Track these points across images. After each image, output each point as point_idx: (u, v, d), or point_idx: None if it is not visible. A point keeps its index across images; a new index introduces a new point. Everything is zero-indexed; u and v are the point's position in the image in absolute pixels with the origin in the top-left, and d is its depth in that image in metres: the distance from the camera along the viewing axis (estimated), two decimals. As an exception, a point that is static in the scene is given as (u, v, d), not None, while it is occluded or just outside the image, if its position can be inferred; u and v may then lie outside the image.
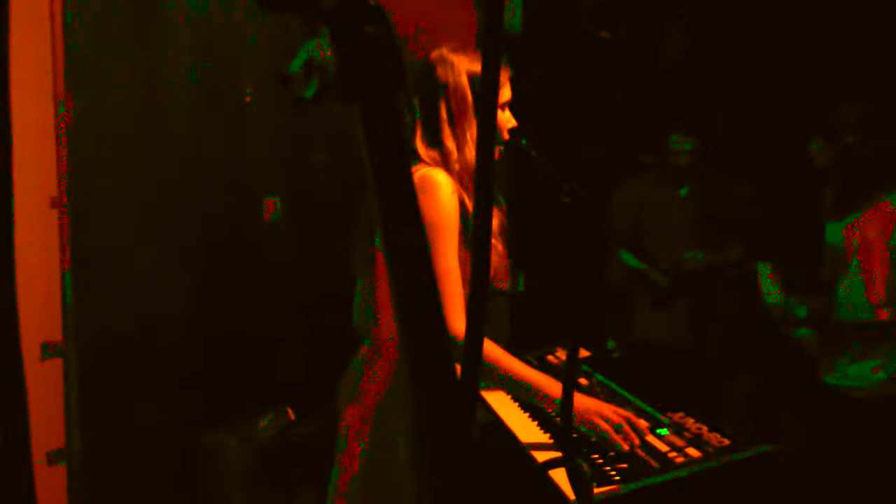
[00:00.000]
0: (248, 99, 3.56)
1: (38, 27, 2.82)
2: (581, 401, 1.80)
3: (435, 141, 1.80)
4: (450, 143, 1.79)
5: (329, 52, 0.52)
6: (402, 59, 0.53)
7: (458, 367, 0.64)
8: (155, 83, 3.23)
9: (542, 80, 3.85)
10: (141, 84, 3.17)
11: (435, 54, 1.84)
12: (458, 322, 1.61)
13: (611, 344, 3.51)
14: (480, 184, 0.62)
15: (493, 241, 1.81)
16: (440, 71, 1.80)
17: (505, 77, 1.86)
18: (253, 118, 3.58)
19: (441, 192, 1.69)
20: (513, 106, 1.91)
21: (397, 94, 0.53)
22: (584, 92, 4.09)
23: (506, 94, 1.87)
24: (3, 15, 0.54)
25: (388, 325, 1.80)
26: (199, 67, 3.38)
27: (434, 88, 1.80)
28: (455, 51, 1.83)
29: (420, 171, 1.74)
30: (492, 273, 1.81)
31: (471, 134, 1.79)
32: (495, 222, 1.83)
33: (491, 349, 1.75)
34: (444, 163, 1.78)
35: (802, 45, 3.77)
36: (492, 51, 0.60)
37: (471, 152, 1.77)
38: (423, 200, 1.67)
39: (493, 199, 0.64)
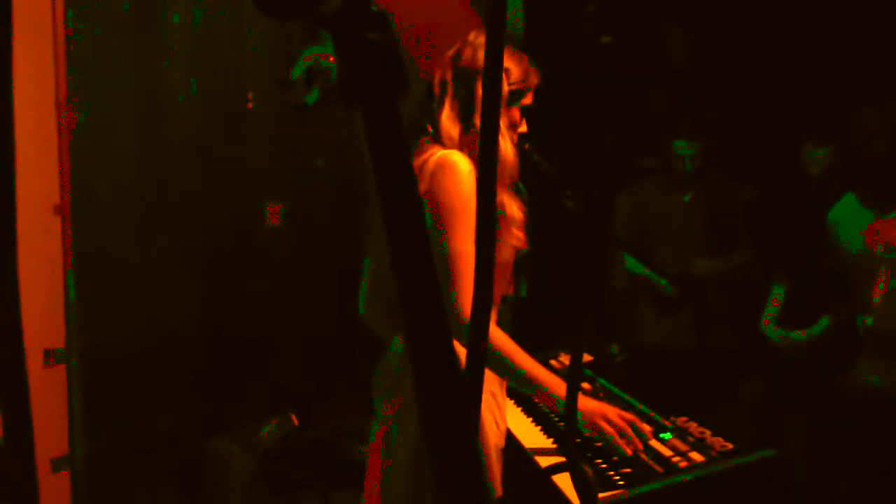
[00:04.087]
0: (249, 104, 3.56)
1: (41, 35, 2.82)
2: (586, 403, 1.80)
3: (466, 120, 1.79)
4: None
5: (331, 58, 0.52)
6: (403, 63, 0.53)
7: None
8: (157, 89, 3.24)
9: (544, 83, 3.84)
10: (143, 90, 3.18)
11: (479, 39, 1.82)
12: (469, 306, 1.60)
13: (614, 349, 3.50)
14: (483, 179, 0.62)
15: (516, 230, 1.81)
16: (482, 55, 1.80)
17: (532, 81, 1.86)
18: (255, 124, 3.59)
19: (459, 173, 1.69)
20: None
21: (400, 98, 0.53)
22: (586, 96, 4.09)
23: (527, 99, 1.88)
24: (6, 23, 0.54)
25: None
26: (201, 73, 3.39)
27: (474, 70, 1.79)
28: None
29: (437, 154, 1.73)
30: (510, 260, 1.81)
31: (500, 121, 1.78)
32: (518, 212, 1.82)
33: (502, 340, 1.75)
34: (470, 143, 1.77)
35: (805, 49, 3.77)
36: (493, 52, 0.60)
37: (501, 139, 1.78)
38: (441, 182, 1.67)
39: (494, 191, 0.64)
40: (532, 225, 1.84)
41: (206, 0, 3.39)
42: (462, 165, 1.69)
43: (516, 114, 1.86)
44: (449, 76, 1.82)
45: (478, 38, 1.83)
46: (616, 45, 4.05)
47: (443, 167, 1.70)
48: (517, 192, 1.86)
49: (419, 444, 1.72)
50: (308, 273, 3.72)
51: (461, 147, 1.77)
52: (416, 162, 1.74)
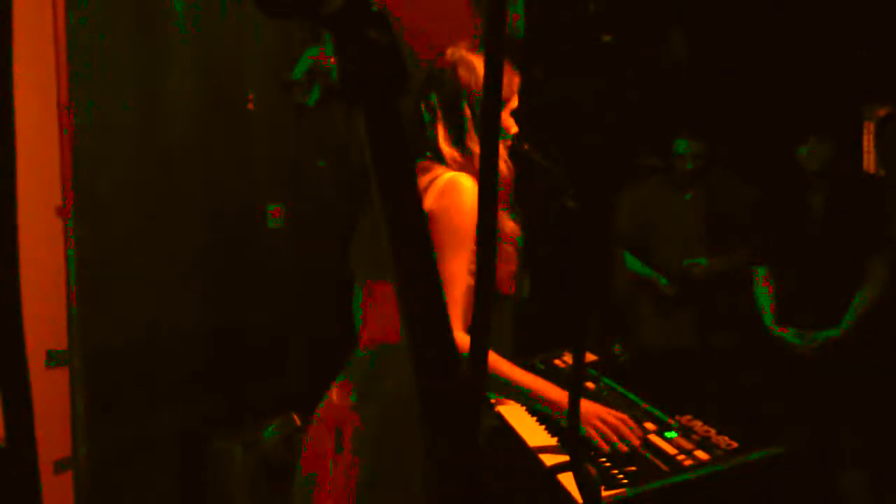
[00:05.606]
0: (250, 105, 3.56)
1: (42, 36, 2.82)
2: (582, 405, 1.79)
3: (460, 143, 1.79)
4: (475, 146, 1.78)
5: (332, 58, 0.52)
6: (404, 62, 0.53)
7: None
8: (158, 91, 3.24)
9: (545, 83, 3.85)
10: (144, 92, 3.18)
11: (456, 55, 1.81)
12: (455, 330, 1.59)
13: (617, 348, 3.50)
14: (484, 185, 0.62)
15: (511, 248, 1.80)
16: (462, 72, 1.78)
17: (516, 83, 1.85)
18: (256, 125, 3.59)
19: (464, 196, 1.68)
20: (516, 109, 1.91)
21: (400, 98, 0.53)
22: (588, 96, 4.09)
23: (513, 102, 1.87)
24: (6, 23, 0.54)
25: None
26: (202, 74, 3.39)
27: (456, 90, 1.78)
28: (474, 51, 1.82)
29: (447, 175, 1.72)
30: (501, 279, 1.80)
31: None
32: (513, 232, 1.81)
33: (494, 359, 1.74)
34: (470, 165, 1.77)
35: (805, 47, 3.77)
36: (494, 53, 0.59)
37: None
38: (448, 202, 1.66)
39: (496, 201, 0.64)
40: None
41: (206, 0, 3.39)
42: (468, 188, 1.68)
43: (506, 120, 1.86)
44: (435, 101, 1.80)
45: (454, 55, 1.82)
46: (617, 45, 4.05)
47: (451, 188, 1.69)
48: (511, 210, 1.85)
49: (391, 444, 1.71)
50: (309, 273, 3.72)
51: (466, 167, 1.76)
52: (424, 179, 1.73)
